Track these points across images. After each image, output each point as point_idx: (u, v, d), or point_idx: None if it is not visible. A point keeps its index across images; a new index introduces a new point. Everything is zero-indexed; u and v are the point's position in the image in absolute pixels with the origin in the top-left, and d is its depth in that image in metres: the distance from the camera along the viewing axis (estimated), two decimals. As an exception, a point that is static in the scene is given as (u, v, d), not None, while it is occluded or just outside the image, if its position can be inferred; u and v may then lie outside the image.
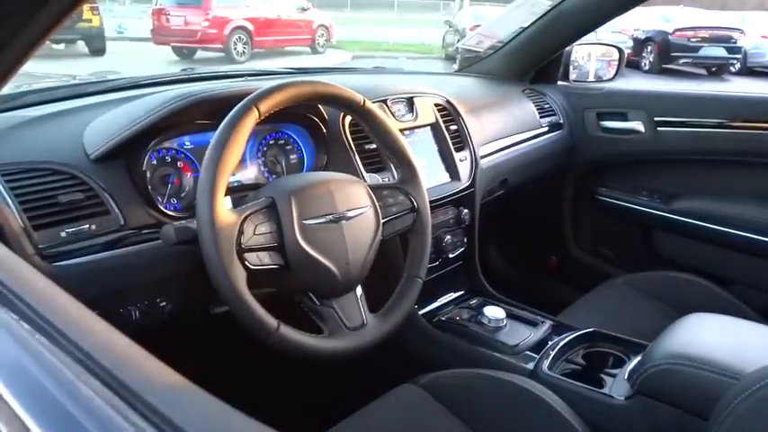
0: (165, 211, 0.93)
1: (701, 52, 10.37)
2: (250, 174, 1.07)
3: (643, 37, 10.79)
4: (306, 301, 0.88)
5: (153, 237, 0.89)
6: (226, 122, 0.80)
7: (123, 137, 0.90)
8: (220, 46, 10.04)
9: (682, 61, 10.49)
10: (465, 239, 1.37)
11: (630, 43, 10.64)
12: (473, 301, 1.33)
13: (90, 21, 9.97)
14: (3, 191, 0.79)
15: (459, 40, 10.07)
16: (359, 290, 0.91)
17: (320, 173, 1.02)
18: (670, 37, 10.39)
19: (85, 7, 9.95)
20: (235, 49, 10.14)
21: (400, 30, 14.31)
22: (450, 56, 10.90)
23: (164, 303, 0.91)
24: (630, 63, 10.60)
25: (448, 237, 1.31)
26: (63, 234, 0.81)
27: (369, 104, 0.96)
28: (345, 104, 0.95)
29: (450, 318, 1.25)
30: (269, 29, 10.76)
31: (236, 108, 0.81)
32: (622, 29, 10.86)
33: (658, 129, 1.70)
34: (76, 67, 8.08)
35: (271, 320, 0.78)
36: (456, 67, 2.24)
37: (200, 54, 10.28)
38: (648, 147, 1.72)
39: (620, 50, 1.98)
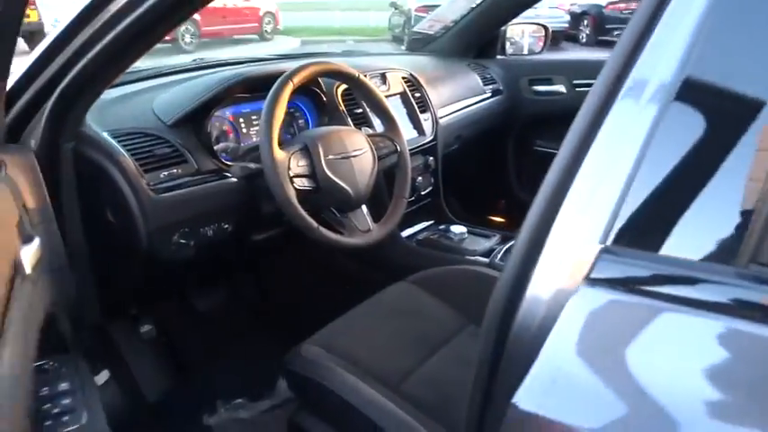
0: (223, 160, 1.30)
1: (636, 22, 10.99)
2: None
3: (579, 11, 11.41)
4: (329, 215, 1.27)
5: (216, 178, 1.26)
6: (273, 92, 1.17)
7: (191, 108, 1.26)
8: (167, 37, 10.04)
9: (616, 33, 11.15)
10: (432, 181, 1.78)
11: (567, 17, 11.26)
12: (441, 226, 1.75)
13: (28, 16, 9.86)
14: (119, 147, 1.15)
15: (405, 21, 10.43)
16: (364, 207, 1.31)
17: (333, 126, 1.41)
18: (604, 10, 11.02)
19: (23, 3, 9.82)
20: (183, 39, 10.18)
21: (344, 13, 14.49)
22: (397, 37, 11.17)
23: (226, 226, 1.28)
24: (569, 37, 11.25)
25: (420, 178, 1.72)
26: (161, 175, 1.17)
27: (362, 77, 1.35)
28: (347, 77, 1.34)
29: (425, 237, 1.66)
30: (215, 17, 10.78)
31: (278, 81, 1.19)
32: (559, 4, 11.46)
33: (576, 89, 2.16)
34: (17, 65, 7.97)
35: (313, 223, 1.17)
36: (404, 47, 2.61)
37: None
38: (570, 104, 2.17)
39: (546, 28, 2.41)
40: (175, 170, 1.20)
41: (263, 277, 1.86)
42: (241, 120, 1.39)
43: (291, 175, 1.17)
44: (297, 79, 1.21)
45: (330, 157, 1.22)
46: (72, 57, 0.99)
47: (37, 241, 0.89)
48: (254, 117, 1.41)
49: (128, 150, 1.15)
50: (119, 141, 1.16)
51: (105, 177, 1.13)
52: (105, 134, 1.16)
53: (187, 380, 1.63)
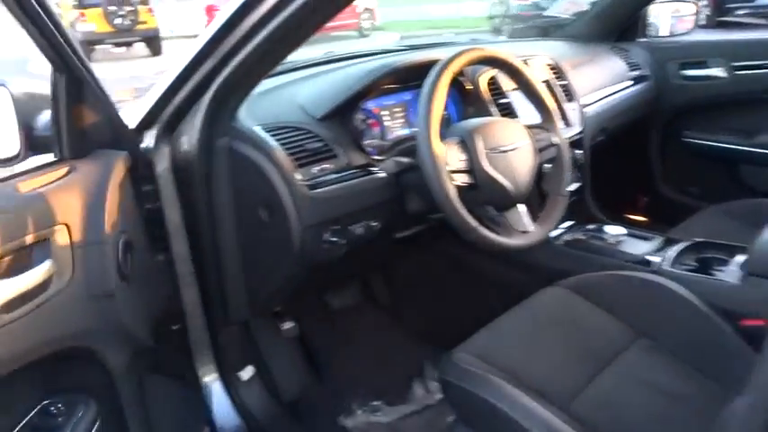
0: (371, 155, 1.24)
1: (760, 0, 10.07)
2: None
3: (697, -11, 10.56)
4: (486, 212, 1.17)
5: (365, 173, 1.20)
6: (431, 81, 1.09)
7: (342, 100, 1.21)
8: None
9: (740, 12, 10.20)
10: (579, 176, 1.64)
11: (681, -4, 10.44)
12: (590, 226, 1.59)
13: (146, 22, 10.53)
14: (272, 141, 1.11)
15: (506, 11, 10.11)
16: (522, 206, 1.20)
17: (489, 117, 1.31)
18: (724, -12, 10.13)
19: (142, 9, 10.52)
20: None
21: (439, 7, 14.30)
22: (496, 28, 10.89)
23: (375, 223, 1.22)
24: (683, 18, 10.40)
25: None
26: (313, 170, 1.13)
27: (518, 63, 1.24)
28: (502, 64, 1.23)
29: (574, 238, 1.52)
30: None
31: (434, 70, 1.10)
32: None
33: (737, 73, 1.91)
34: (138, 68, 8.56)
35: (473, 222, 1.08)
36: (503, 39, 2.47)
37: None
38: (730, 90, 1.93)
39: (695, 4, 2.18)
40: (327, 165, 1.15)
41: (397, 275, 1.80)
42: (385, 113, 1.32)
43: (449, 170, 1.08)
44: (455, 66, 1.12)
45: (488, 150, 1.12)
46: (227, 53, 0.98)
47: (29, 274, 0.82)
48: (397, 109, 1.34)
49: (281, 145, 1.12)
50: (272, 135, 1.13)
51: (259, 173, 1.10)
52: (258, 128, 1.13)
53: (321, 379, 1.60)
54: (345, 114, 1.23)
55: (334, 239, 1.15)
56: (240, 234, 1.19)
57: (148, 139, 1.12)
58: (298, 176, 1.09)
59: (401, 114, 1.34)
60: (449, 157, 1.08)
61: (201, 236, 1.18)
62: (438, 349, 1.11)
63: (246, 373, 1.35)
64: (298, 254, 1.12)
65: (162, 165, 1.12)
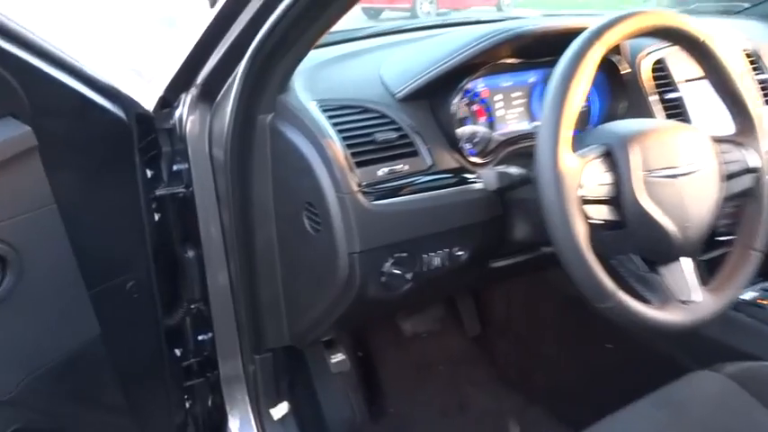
0: (468, 155, 0.88)
1: None
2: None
3: None
4: (630, 265, 0.77)
5: (457, 182, 0.85)
6: (572, 56, 0.70)
7: (429, 77, 0.85)
8: (408, 5, 10.09)
9: None
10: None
11: None
12: (775, 284, 1.12)
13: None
14: (328, 126, 0.79)
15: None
16: (689, 260, 0.78)
17: (650, 120, 0.90)
18: None
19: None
20: (421, 7, 10.13)
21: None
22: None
23: (460, 252, 0.87)
24: None
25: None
26: (379, 173, 0.79)
27: (710, 41, 0.80)
28: (684, 39, 0.80)
29: (752, 299, 1.07)
30: (452, -14, 10.55)
31: (581, 40, 0.71)
32: None
33: None
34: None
35: (611, 285, 0.69)
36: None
37: (385, 14, 10.43)
38: None
39: None
40: (401, 166, 0.81)
41: (492, 301, 1.44)
42: (498, 97, 0.95)
43: (583, 197, 0.70)
44: (611, 38, 0.72)
45: (647, 171, 0.72)
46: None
47: None
48: (516, 94, 0.96)
49: (339, 132, 0.79)
50: (329, 117, 0.81)
51: (304, 169, 0.79)
52: (313, 105, 0.81)
53: (375, 420, 1.30)
54: (438, 95, 0.87)
55: (397, 271, 0.81)
56: (280, 242, 0.90)
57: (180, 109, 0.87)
58: (355, 179, 0.77)
59: (521, 102, 0.97)
60: (583, 178, 0.70)
61: (234, 237, 0.90)
62: (529, 401, 0.94)
63: (279, 411, 1.06)
64: (341, 286, 0.81)
65: (196, 139, 0.86)
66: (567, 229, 0.67)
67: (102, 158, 0.83)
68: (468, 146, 0.90)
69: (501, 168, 0.79)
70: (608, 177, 0.71)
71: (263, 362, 1.01)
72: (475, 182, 0.85)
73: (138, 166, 0.86)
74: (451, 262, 0.87)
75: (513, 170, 0.78)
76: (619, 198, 0.71)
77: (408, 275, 0.82)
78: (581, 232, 0.68)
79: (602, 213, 0.71)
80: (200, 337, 1.04)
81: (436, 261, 0.85)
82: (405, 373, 1.37)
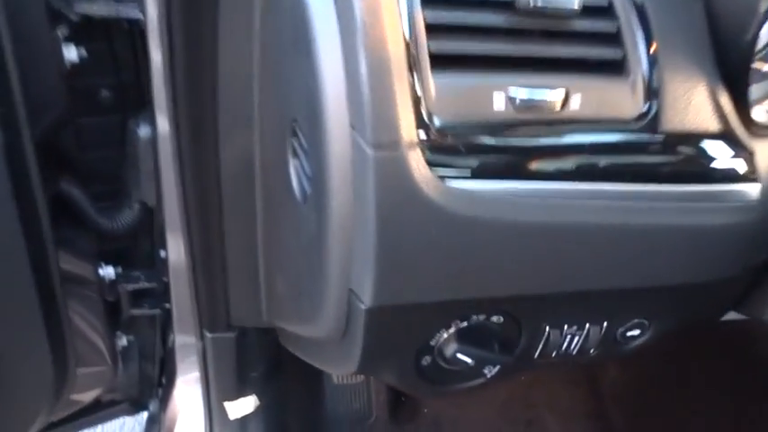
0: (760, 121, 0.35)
1: None
2: None
3: None
4: None
5: (711, 173, 0.35)
6: None
7: None
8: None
9: None
10: None
11: None
12: None
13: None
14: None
15: None
16: None
17: None
18: None
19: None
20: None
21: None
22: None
23: (635, 332, 0.37)
24: None
25: None
26: (499, 104, 0.31)
27: None
28: None
29: None
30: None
31: None
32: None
33: None
34: None
35: None
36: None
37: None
38: None
39: None
40: (558, 95, 0.31)
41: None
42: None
43: None
44: None
45: None
46: None
47: None
48: None
49: None
50: None
51: (303, 38, 0.32)
52: None
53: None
54: None
55: (466, 359, 0.33)
56: (263, 177, 0.45)
57: None
58: (421, 107, 0.28)
59: None
60: None
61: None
62: None
63: (239, 407, 0.67)
64: (329, 332, 0.36)
65: None
66: None
67: None
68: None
69: None
70: None
71: (217, 342, 0.61)
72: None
73: None
74: (605, 346, 0.37)
75: None
76: None
77: (488, 370, 0.34)
78: None
79: None
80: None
81: (573, 341, 0.36)
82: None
